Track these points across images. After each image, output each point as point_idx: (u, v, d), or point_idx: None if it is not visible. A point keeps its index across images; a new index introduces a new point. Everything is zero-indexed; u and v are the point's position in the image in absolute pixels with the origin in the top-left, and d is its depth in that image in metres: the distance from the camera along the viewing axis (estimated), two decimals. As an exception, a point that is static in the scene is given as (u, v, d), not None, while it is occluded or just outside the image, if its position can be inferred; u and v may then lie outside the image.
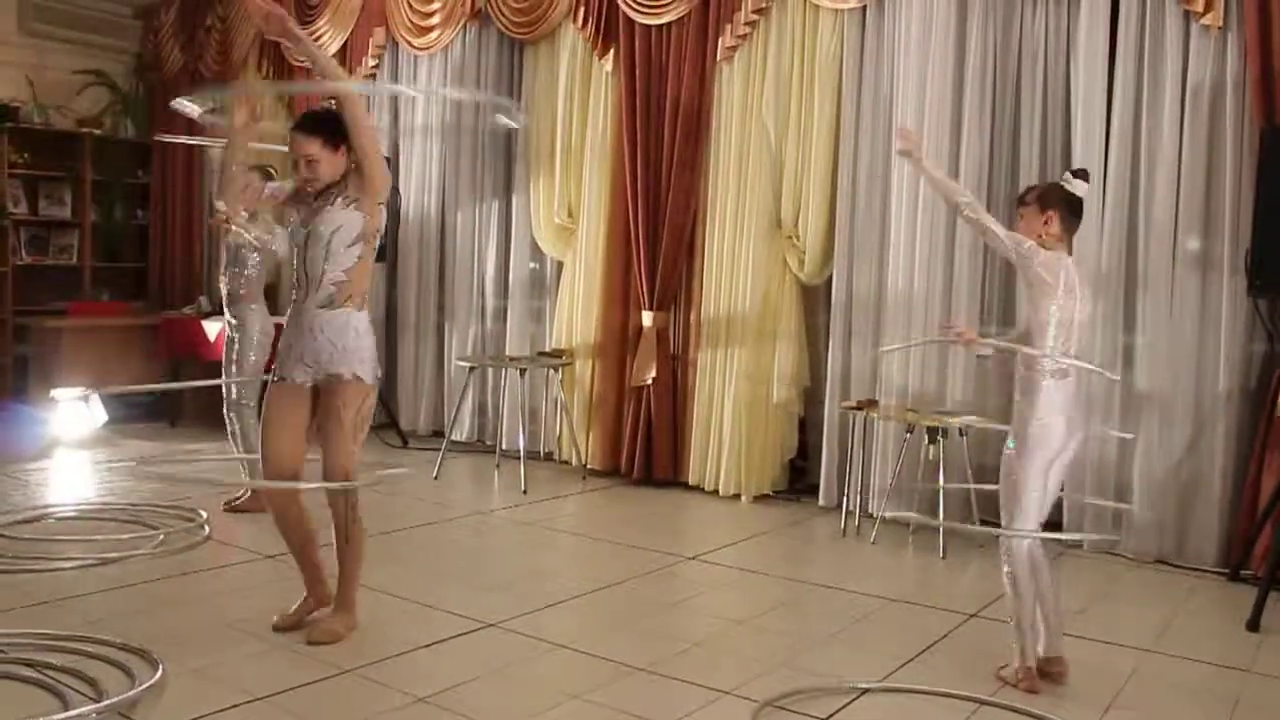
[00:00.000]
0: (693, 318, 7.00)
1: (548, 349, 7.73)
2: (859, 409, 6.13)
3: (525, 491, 6.80)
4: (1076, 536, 5.63)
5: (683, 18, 6.88)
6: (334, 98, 4.17)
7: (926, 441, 5.80)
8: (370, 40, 8.47)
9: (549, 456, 7.76)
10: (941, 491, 5.67)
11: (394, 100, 8.61)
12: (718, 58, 6.79)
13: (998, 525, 3.97)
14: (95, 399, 8.03)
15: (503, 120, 4.07)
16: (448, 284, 8.39)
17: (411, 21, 8.22)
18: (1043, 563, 3.90)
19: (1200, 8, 5.33)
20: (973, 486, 5.74)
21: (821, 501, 6.55)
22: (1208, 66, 5.40)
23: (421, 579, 4.90)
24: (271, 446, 4.03)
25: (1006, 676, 3.86)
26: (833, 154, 6.48)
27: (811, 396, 6.87)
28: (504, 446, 7.57)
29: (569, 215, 7.61)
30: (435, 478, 7.07)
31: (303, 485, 4.11)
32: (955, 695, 3.74)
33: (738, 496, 6.73)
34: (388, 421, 8.39)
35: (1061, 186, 3.94)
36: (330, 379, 3.97)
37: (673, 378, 7.09)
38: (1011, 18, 5.99)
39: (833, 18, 6.43)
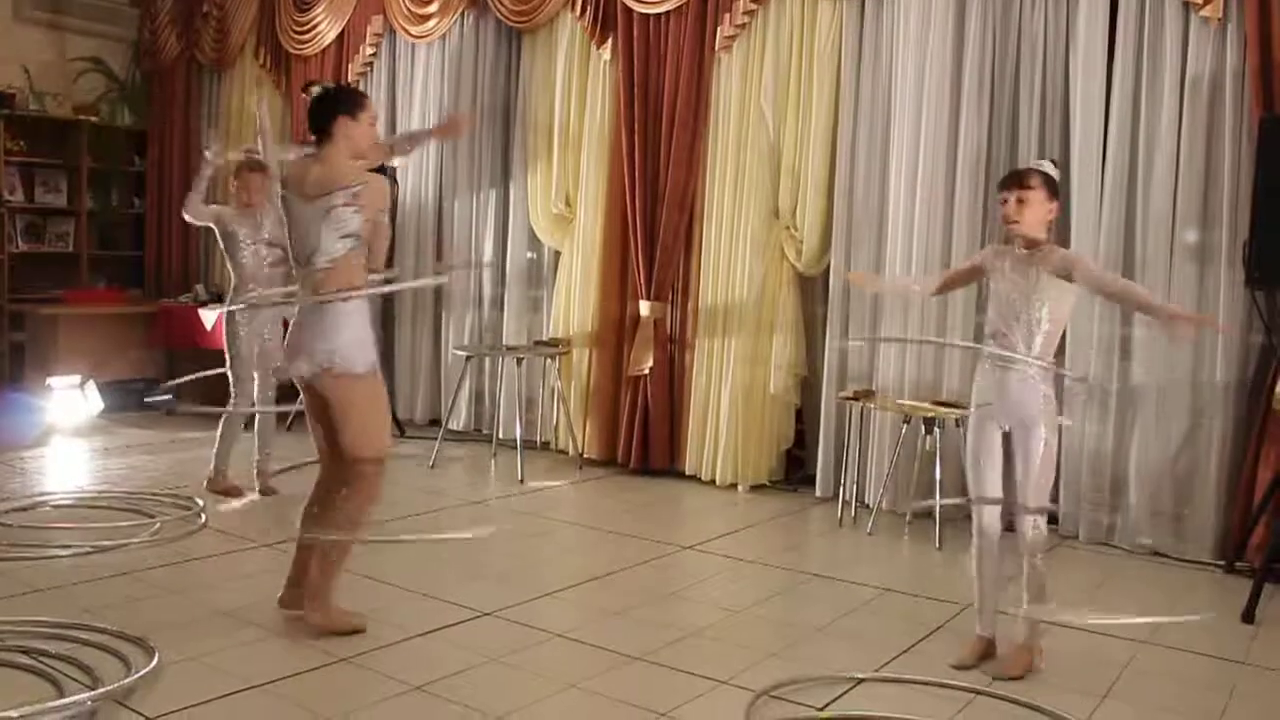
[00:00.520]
0: (690, 307, 7.00)
1: (545, 338, 7.73)
2: (856, 399, 6.13)
3: (522, 480, 6.80)
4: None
5: (681, 7, 6.86)
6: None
7: (923, 432, 5.81)
8: (368, 28, 8.45)
9: (546, 446, 7.76)
10: (938, 480, 5.68)
11: (391, 87, 8.58)
12: (716, 47, 6.77)
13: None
14: (91, 386, 8.03)
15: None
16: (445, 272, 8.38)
17: (409, 9, 8.19)
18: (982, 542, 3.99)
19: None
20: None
21: (818, 491, 6.56)
22: (1207, 58, 5.39)
23: (418, 568, 4.90)
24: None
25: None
26: (831, 144, 6.48)
27: (808, 386, 6.87)
28: (501, 436, 7.57)
29: (566, 204, 7.60)
30: (432, 466, 7.07)
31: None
32: (951, 685, 3.75)
33: (734, 486, 6.74)
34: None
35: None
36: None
37: (670, 367, 7.08)
38: (1010, 7, 5.97)
39: (831, 7, 6.42)
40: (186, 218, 6.03)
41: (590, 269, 7.41)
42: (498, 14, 7.79)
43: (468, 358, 7.56)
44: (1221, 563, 5.33)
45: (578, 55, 7.50)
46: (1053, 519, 5.83)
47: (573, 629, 4.22)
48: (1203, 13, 5.33)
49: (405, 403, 8.53)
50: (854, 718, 3.49)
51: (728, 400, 6.76)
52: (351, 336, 3.94)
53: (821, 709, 3.53)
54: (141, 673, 3.48)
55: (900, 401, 6.06)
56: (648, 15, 7.01)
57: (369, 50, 8.51)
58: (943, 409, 5.75)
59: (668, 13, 6.93)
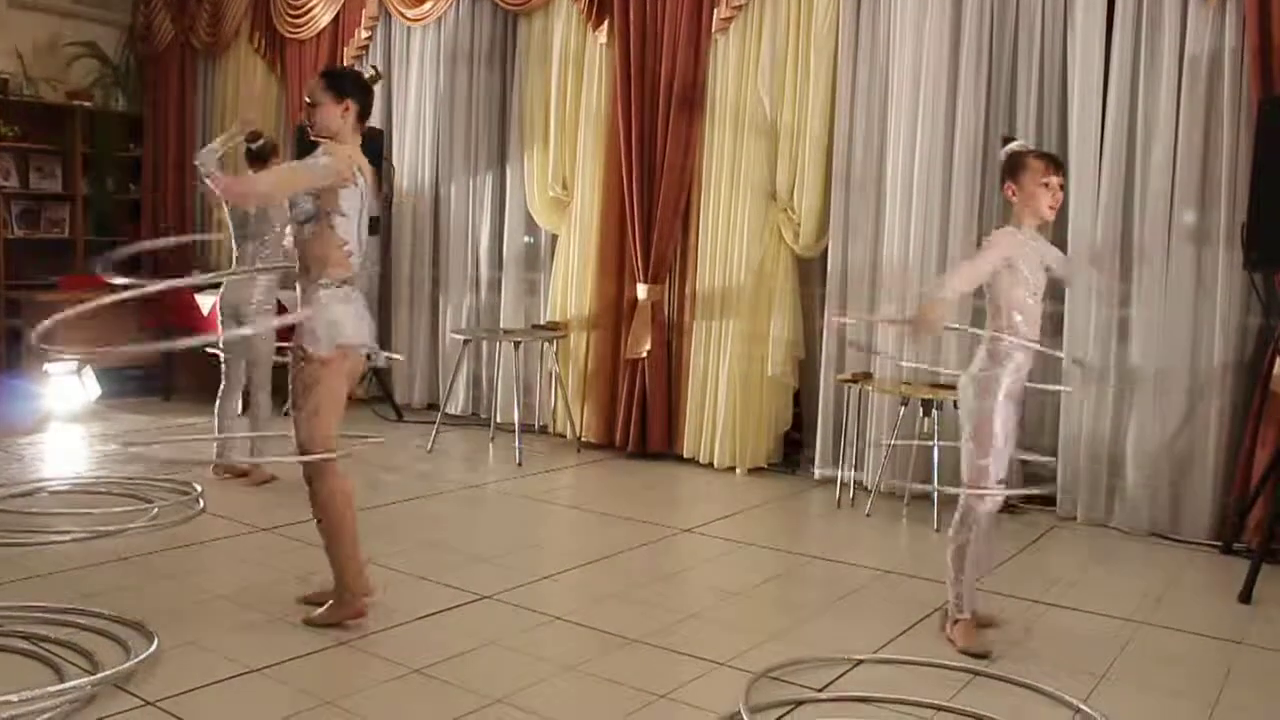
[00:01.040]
0: (688, 290, 6.99)
1: (542, 322, 7.72)
2: (854, 382, 6.13)
3: (520, 464, 6.80)
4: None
5: (677, -12, 6.84)
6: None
7: (921, 414, 5.81)
8: (363, 12, 8.43)
9: (543, 429, 7.77)
10: (935, 460, 5.68)
11: (387, 73, 8.55)
12: (713, 29, 6.74)
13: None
14: (89, 371, 8.03)
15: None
16: (442, 256, 8.38)
17: (404, -8, 8.17)
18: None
19: (1199, -21, 5.31)
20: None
21: (816, 474, 6.56)
22: (1205, 38, 5.38)
23: (416, 551, 4.90)
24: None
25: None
26: (828, 126, 6.45)
27: (806, 369, 6.87)
28: (498, 419, 7.58)
29: (563, 188, 7.58)
30: (429, 451, 7.07)
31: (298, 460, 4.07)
32: (949, 666, 3.76)
33: (732, 469, 6.74)
34: (382, 395, 8.39)
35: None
36: None
37: (667, 350, 7.08)
38: (1009, -12, 5.96)
39: (828, -12, 6.40)
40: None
41: (587, 252, 7.40)
42: (493, -4, 7.78)
43: (465, 341, 7.55)
44: (1219, 543, 5.34)
45: (574, 38, 7.47)
46: (1050, 499, 5.87)
47: (572, 611, 4.23)
48: (1202, -8, 5.32)
49: (403, 387, 8.53)
50: (854, 699, 3.49)
51: (725, 383, 6.76)
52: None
53: (821, 690, 3.54)
54: (141, 657, 3.48)
55: (904, 382, 6.06)
56: (644, -3, 6.99)
57: (364, 34, 8.49)
58: (941, 391, 5.75)
59: (664, -6, 6.91)
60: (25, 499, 5.57)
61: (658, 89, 6.94)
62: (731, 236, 6.76)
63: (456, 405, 8.11)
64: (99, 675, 3.33)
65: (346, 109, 3.93)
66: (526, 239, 8.05)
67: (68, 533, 4.95)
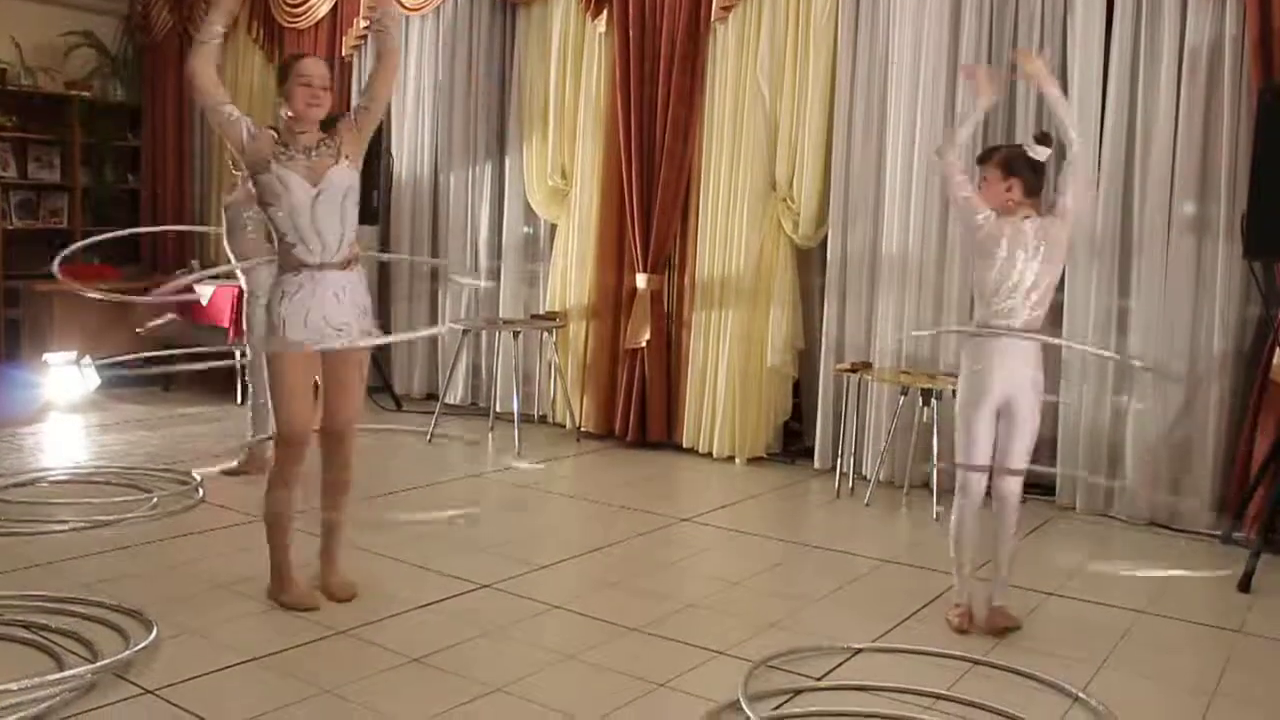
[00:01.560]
0: (687, 280, 6.98)
1: (542, 312, 7.72)
2: (853, 371, 6.13)
3: (519, 454, 6.80)
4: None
5: (677, -24, 6.82)
6: (381, 44, 4.07)
7: (921, 404, 5.81)
8: (361, 1, 8.39)
9: (543, 419, 7.77)
10: (935, 450, 5.68)
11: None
12: (712, 18, 6.73)
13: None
14: (87, 362, 8.02)
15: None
16: (441, 246, 8.36)
17: (403, -19, 8.14)
18: (965, 510, 4.02)
19: (1199, -32, 5.29)
20: None
21: (816, 464, 6.56)
22: (1205, 28, 5.36)
23: (416, 541, 4.90)
24: (300, 417, 3.95)
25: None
26: (828, 115, 6.44)
27: (806, 359, 6.87)
28: (498, 409, 7.58)
29: (562, 177, 7.57)
30: (429, 441, 7.06)
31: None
32: (948, 655, 3.76)
33: (732, 459, 6.74)
34: (381, 385, 8.39)
35: (1025, 153, 3.92)
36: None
37: (667, 340, 7.08)
38: (1008, -23, 5.94)
39: (828, -23, 6.38)
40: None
41: (586, 242, 7.39)
42: (492, -15, 7.76)
43: (464, 332, 7.54)
44: (1218, 532, 5.34)
45: (573, 27, 7.45)
46: (1049, 488, 5.87)
47: (571, 600, 4.23)
48: (1202, -18, 5.31)
49: (402, 377, 8.53)
50: (852, 687, 3.50)
51: (725, 373, 6.76)
52: None
53: (819, 679, 3.54)
54: (140, 646, 3.48)
55: (903, 371, 6.05)
56: (643, -14, 6.97)
57: (363, 23, 8.46)
58: (941, 380, 5.75)
59: (663, -17, 6.89)
60: (24, 488, 5.57)
61: (657, 78, 6.93)
62: (731, 226, 6.75)
63: (455, 395, 8.11)
64: (98, 664, 3.34)
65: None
66: (525, 229, 8.04)
67: (67, 522, 4.95)
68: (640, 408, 7.07)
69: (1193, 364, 5.49)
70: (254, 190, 3.93)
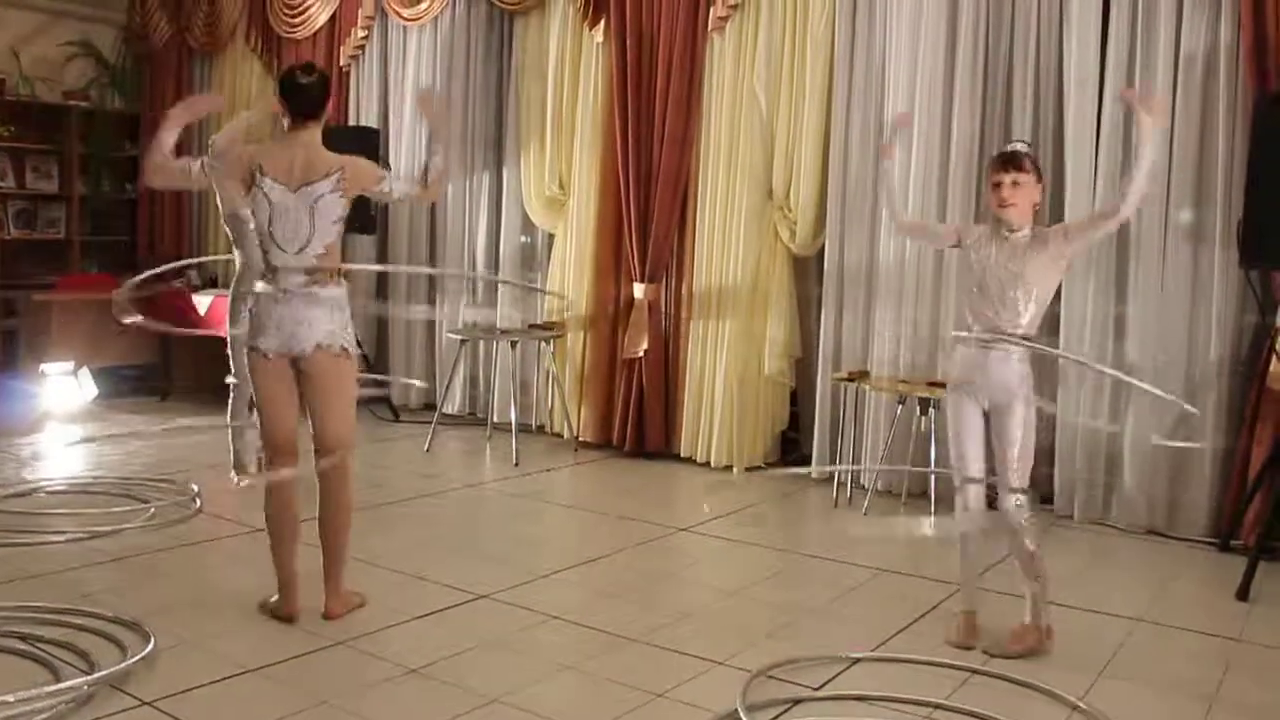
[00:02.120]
0: (684, 289, 6.99)
1: (539, 321, 7.72)
2: (851, 380, 6.13)
3: (517, 464, 6.80)
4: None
5: (673, -13, 6.84)
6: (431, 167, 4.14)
7: (918, 413, 5.81)
8: (359, 11, 8.42)
9: (541, 429, 7.76)
10: (933, 459, 5.68)
11: (383, 70, 8.56)
12: (709, 28, 6.74)
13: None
14: (85, 373, 8.01)
15: None
16: (439, 256, 8.37)
17: (401, -8, 8.16)
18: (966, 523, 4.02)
19: (1194, -24, 5.31)
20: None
21: (814, 473, 6.55)
22: (1200, 35, 5.38)
23: (413, 551, 4.90)
24: (273, 424, 3.96)
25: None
26: (824, 124, 6.45)
27: (803, 368, 6.87)
28: (495, 419, 7.58)
29: (560, 187, 7.58)
30: (427, 450, 7.06)
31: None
32: (947, 665, 3.76)
33: (729, 468, 6.74)
34: (379, 395, 8.38)
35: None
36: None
37: (664, 349, 7.08)
38: (1004, -13, 5.96)
39: (824, -13, 6.39)
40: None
41: (584, 252, 7.39)
42: (489, -4, 7.78)
43: (462, 341, 7.55)
44: (1216, 540, 5.34)
45: (570, 37, 7.47)
46: (1047, 499, 5.87)
47: (569, 611, 4.22)
48: (1197, -11, 5.32)
49: (400, 387, 8.52)
50: (851, 697, 3.49)
51: (722, 382, 6.76)
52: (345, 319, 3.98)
53: (818, 689, 3.54)
54: (137, 657, 3.48)
55: (901, 380, 6.06)
56: (640, -4, 6.99)
57: (361, 33, 8.48)
58: (938, 389, 5.74)
59: (660, -7, 6.91)
60: (22, 499, 5.56)
61: (654, 88, 6.94)
62: (728, 235, 6.76)
63: (453, 405, 8.10)
64: (96, 675, 3.33)
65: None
66: (523, 239, 8.05)
67: (64, 533, 4.94)
68: (638, 417, 7.06)
69: (1190, 371, 5.49)
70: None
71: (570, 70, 7.47)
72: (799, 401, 6.96)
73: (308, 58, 8.52)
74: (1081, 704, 3.43)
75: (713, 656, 3.77)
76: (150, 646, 3.57)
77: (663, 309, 7.09)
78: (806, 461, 6.64)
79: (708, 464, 6.83)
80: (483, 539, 5.27)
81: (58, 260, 9.44)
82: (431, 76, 8.24)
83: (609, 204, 7.24)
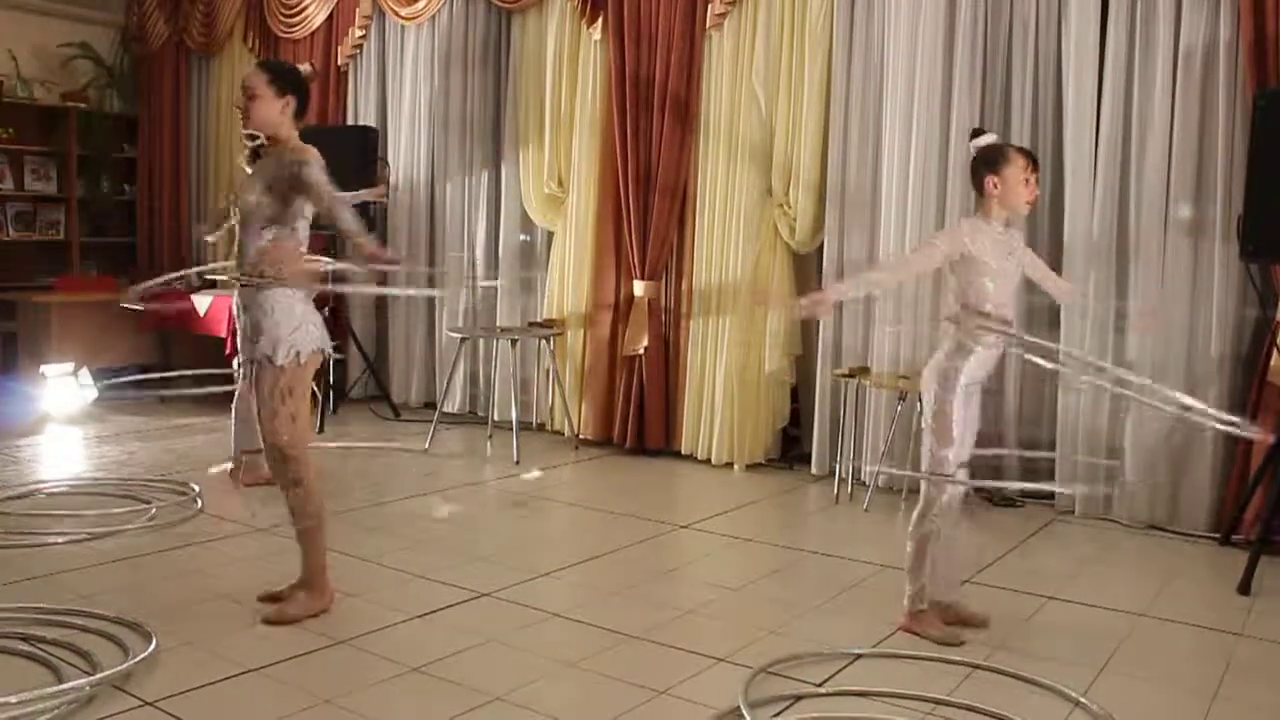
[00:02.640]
0: (684, 286, 6.99)
1: (539, 319, 7.72)
2: (851, 377, 6.13)
3: (518, 462, 6.80)
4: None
5: (671, -16, 6.83)
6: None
7: (919, 409, 5.80)
8: (357, 10, 8.42)
9: (541, 427, 7.76)
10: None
11: (381, 69, 8.56)
12: (707, 25, 6.74)
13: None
14: (85, 373, 8.01)
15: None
16: (438, 255, 8.36)
17: (398, -9, 8.16)
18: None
19: (1193, -30, 5.30)
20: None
21: (814, 469, 6.56)
22: (1200, 30, 5.37)
23: (415, 550, 4.90)
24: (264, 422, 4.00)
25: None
26: (823, 121, 6.45)
27: (803, 365, 6.87)
28: (496, 417, 7.57)
29: (559, 185, 7.58)
30: (427, 449, 7.06)
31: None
32: (948, 660, 3.76)
33: (730, 465, 6.74)
34: (379, 394, 8.39)
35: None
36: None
37: (664, 347, 7.08)
38: (1003, -18, 5.95)
39: (823, -16, 6.39)
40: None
41: (583, 249, 7.39)
42: (487, -6, 7.77)
43: (462, 340, 7.55)
44: (1217, 535, 5.34)
45: (568, 35, 7.47)
46: (1049, 495, 5.87)
47: (571, 608, 4.22)
48: (1196, -15, 5.31)
49: (400, 386, 8.53)
50: (853, 693, 3.49)
51: (723, 379, 6.76)
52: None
53: (820, 685, 3.54)
54: (139, 658, 3.48)
55: (901, 376, 6.05)
56: (638, -7, 6.98)
57: (358, 33, 8.48)
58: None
59: (658, -10, 6.90)
60: (22, 500, 5.56)
61: (652, 85, 6.94)
62: (727, 232, 6.75)
63: (453, 403, 8.10)
64: (97, 676, 3.33)
65: (286, 105, 3.93)
66: (522, 236, 8.05)
67: (65, 534, 4.94)
68: (638, 414, 7.06)
69: (1190, 366, 5.48)
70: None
71: (568, 68, 7.47)
72: (799, 398, 6.96)
73: (305, 57, 8.53)
74: (1083, 699, 3.43)
75: (714, 653, 3.77)
76: (152, 647, 3.57)
77: (663, 306, 7.08)
78: (806, 458, 6.64)
79: (708, 461, 6.83)
80: (483, 537, 5.27)
81: (57, 262, 9.44)
82: (429, 75, 8.24)
83: (608, 201, 7.24)
